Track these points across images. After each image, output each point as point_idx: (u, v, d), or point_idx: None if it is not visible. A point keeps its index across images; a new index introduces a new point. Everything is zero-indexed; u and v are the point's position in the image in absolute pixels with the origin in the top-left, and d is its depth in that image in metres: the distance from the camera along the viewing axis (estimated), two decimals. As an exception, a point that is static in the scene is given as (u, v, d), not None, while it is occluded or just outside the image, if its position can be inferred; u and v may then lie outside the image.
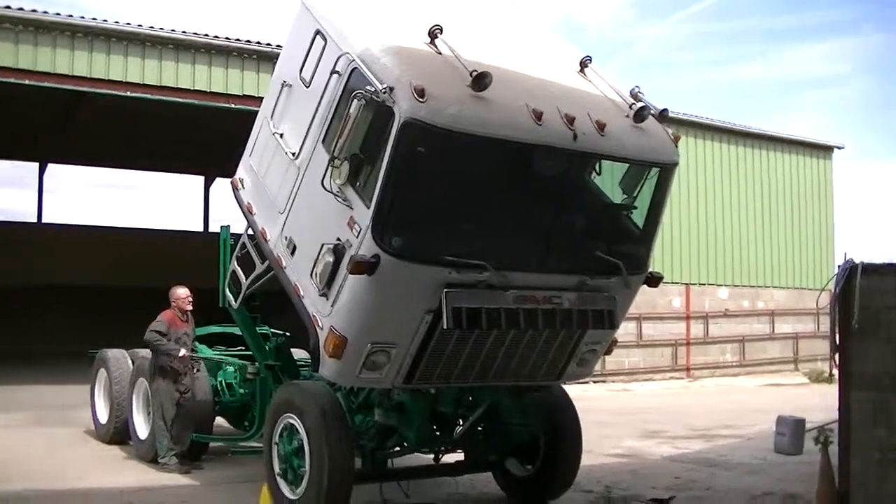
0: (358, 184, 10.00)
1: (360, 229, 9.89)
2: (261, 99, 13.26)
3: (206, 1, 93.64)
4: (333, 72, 10.69)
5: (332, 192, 10.20)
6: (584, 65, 11.82)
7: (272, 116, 12.27)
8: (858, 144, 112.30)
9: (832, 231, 40.29)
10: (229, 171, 13.34)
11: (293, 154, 11.32)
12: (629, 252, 11.51)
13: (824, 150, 40.65)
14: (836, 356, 12.92)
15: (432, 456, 13.07)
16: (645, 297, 27.15)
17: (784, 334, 37.09)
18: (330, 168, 10.15)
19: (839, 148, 41.24)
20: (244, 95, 24.68)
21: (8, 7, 22.18)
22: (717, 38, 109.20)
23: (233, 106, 25.02)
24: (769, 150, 38.15)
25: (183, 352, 14.95)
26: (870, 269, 12.61)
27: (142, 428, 16.27)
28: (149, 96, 24.50)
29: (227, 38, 24.80)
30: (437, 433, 12.73)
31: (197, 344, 16.12)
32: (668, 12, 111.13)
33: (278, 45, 23.42)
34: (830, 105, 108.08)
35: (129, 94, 24.20)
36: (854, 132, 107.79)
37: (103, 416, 17.81)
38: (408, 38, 10.52)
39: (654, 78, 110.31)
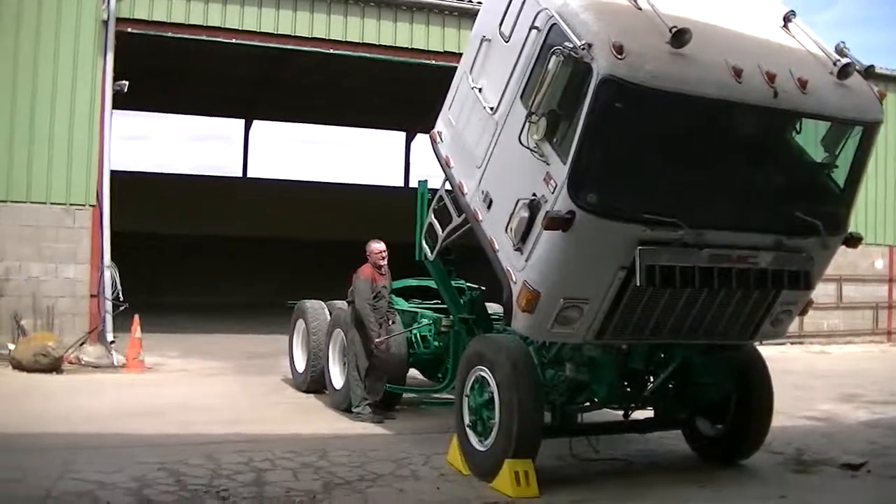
0: (555, 140, 10.03)
1: (556, 185, 9.93)
2: (461, 56, 13.35)
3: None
4: (532, 27, 10.70)
5: (529, 148, 10.26)
6: (787, 20, 11.55)
7: (471, 71, 12.34)
8: None
9: None
10: (430, 128, 13.49)
11: (491, 109, 11.39)
12: (828, 212, 11.29)
13: None
14: None
15: (622, 412, 13.08)
16: (845, 259, 26.66)
17: None
18: (527, 123, 10.22)
19: None
20: (445, 52, 24.78)
21: (215, -31, 22.77)
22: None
23: (434, 62, 25.18)
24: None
25: (380, 339, 15.18)
26: None
27: (337, 378, 16.63)
28: (351, 53, 24.86)
29: (427, -5, 24.93)
30: (628, 390, 12.70)
31: (393, 297, 16.38)
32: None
33: (479, 2, 23.58)
34: None
35: (332, 51, 24.61)
36: None
37: (301, 366, 18.31)
38: None
39: (857, 34, 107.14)
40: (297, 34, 23.77)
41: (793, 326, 27.96)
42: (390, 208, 36.97)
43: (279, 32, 23.59)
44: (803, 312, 12.24)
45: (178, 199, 41.94)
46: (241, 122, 46.74)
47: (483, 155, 11.55)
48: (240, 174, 47.22)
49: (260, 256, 42.01)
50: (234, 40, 23.51)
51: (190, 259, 40.99)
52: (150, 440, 13.39)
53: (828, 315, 32.18)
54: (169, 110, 45.95)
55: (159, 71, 32.81)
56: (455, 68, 13.25)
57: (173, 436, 13.72)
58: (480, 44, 12.21)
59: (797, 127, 11.18)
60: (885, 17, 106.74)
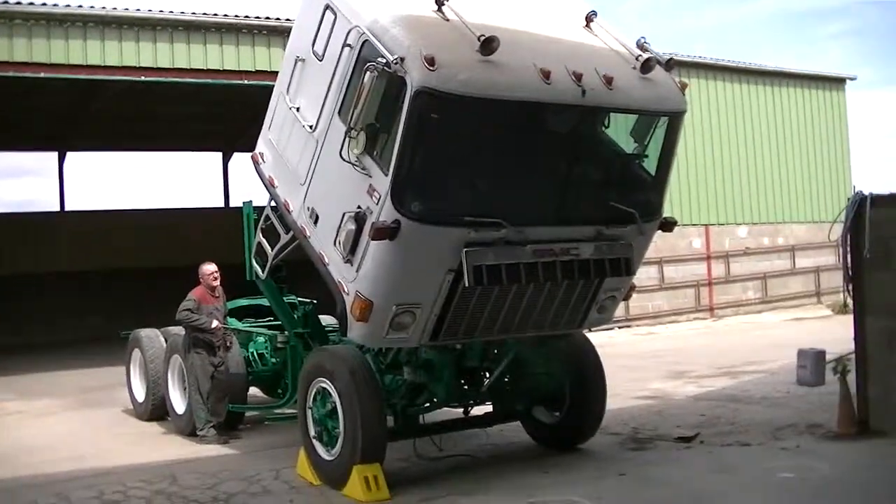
0: (375, 152, 10.31)
1: (380, 196, 10.19)
2: (273, 73, 13.52)
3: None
4: (345, 45, 10.95)
5: (350, 162, 10.49)
6: (589, 19, 11.99)
7: (288, 91, 12.51)
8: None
9: (848, 163, 40.36)
10: (247, 146, 13.65)
11: (310, 127, 11.60)
12: (643, 199, 11.84)
13: (836, 81, 40.63)
14: (850, 287, 13.28)
15: (462, 409, 13.42)
16: (665, 241, 27.59)
17: (805, 268, 37.22)
18: (347, 139, 10.46)
19: (851, 79, 41.19)
20: (257, 71, 24.81)
21: (19, 2, 22.40)
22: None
23: (246, 82, 25.17)
24: (781, 87, 38.13)
25: (216, 323, 15.33)
26: (879, 200, 13.03)
27: (179, 403, 16.63)
28: (163, 79, 24.77)
29: (235, 16, 24.94)
30: (465, 387, 13.11)
31: (228, 318, 16.45)
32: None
33: (287, 20, 23.87)
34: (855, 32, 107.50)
35: (143, 78, 24.45)
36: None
37: (140, 395, 18.20)
38: (415, 7, 10.74)
39: (672, 18, 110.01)
40: (106, 64, 23.48)
41: (619, 311, 29.05)
42: (214, 230, 36.93)
43: (88, 63, 23.26)
44: (627, 297, 12.74)
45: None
46: (55, 154, 45.82)
47: (306, 172, 11.75)
48: (57, 208, 46.26)
49: (87, 290, 41.14)
50: (42, 74, 23.17)
51: (15, 298, 40.01)
52: (-2, 486, 13.26)
53: (651, 297, 33.28)
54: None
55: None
56: (268, 86, 13.42)
57: (22, 478, 13.63)
58: (295, 63, 12.38)
59: (606, 122, 11.66)
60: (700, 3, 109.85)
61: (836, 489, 11.07)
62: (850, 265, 13.31)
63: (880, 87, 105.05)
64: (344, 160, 10.59)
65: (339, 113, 10.98)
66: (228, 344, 15.75)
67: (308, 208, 11.80)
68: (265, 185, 13.22)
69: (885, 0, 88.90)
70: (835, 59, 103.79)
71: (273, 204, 13.18)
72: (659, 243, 28.82)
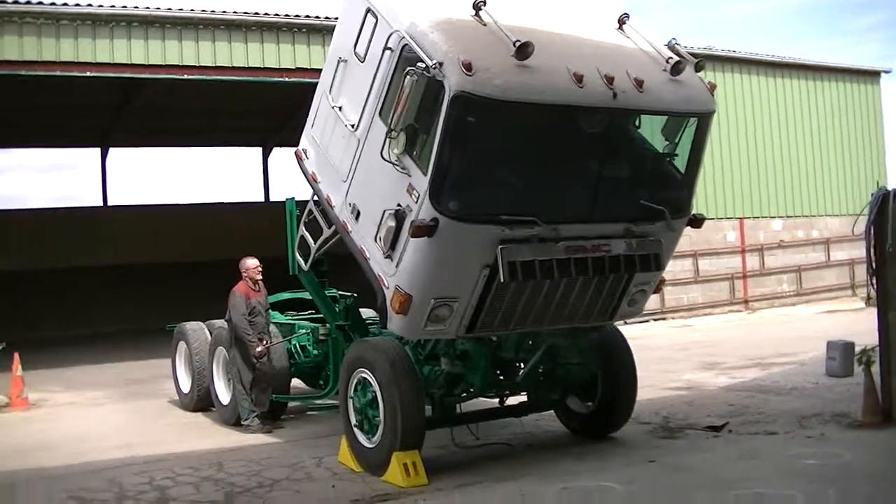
0: (414, 153, 10.69)
1: (419, 195, 10.61)
2: (313, 71, 13.85)
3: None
4: (386, 48, 11.33)
5: (390, 162, 10.89)
6: (622, 22, 12.31)
7: (330, 90, 12.88)
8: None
9: (883, 155, 40.47)
10: (286, 141, 14.08)
11: (352, 126, 11.99)
12: (672, 197, 12.17)
13: (871, 74, 40.64)
14: (874, 279, 13.62)
15: (497, 399, 13.85)
16: (700, 234, 27.80)
17: (839, 261, 37.24)
18: (388, 139, 10.83)
19: (886, 72, 41.14)
20: (297, 68, 25.16)
21: (66, 3, 22.90)
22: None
23: (286, 79, 25.59)
24: (815, 80, 38.24)
25: (260, 348, 15.67)
26: (902, 195, 13.29)
27: (223, 394, 17.09)
28: (205, 77, 25.18)
29: (276, 14, 25.36)
30: (501, 377, 13.55)
31: (270, 311, 16.85)
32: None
33: (326, 18, 24.29)
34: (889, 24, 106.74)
35: (186, 76, 24.91)
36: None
37: (186, 386, 18.69)
38: (454, 11, 11.09)
39: (704, 9, 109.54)
40: (150, 62, 23.93)
41: (654, 304, 29.39)
42: (254, 224, 37.40)
43: (132, 62, 23.72)
44: (657, 290, 13.15)
45: (40, 232, 41.58)
46: (97, 150, 46.35)
47: (348, 170, 12.17)
48: (100, 203, 46.78)
49: (129, 283, 41.52)
50: (88, 73, 23.64)
51: (61, 292, 40.55)
52: (52, 472, 13.74)
53: (686, 289, 33.50)
54: (18, 144, 45.31)
55: (6, 105, 32.84)
56: (308, 83, 13.78)
57: (74, 465, 14.09)
58: (337, 64, 12.75)
59: (637, 122, 12.04)
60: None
61: (856, 475, 11.41)
62: (873, 259, 13.66)
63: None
64: (385, 159, 10.96)
65: (380, 113, 11.36)
66: (268, 342, 16.04)
67: (350, 204, 12.20)
68: (308, 181, 13.64)
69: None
70: (869, 51, 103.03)
71: (316, 199, 13.58)
72: (693, 236, 29.03)
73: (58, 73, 23.41)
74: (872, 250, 13.65)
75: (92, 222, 43.59)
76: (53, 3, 22.74)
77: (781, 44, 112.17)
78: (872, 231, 13.57)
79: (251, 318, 15.75)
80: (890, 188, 13.56)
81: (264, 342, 15.83)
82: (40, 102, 34.22)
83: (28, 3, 22.48)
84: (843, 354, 17.38)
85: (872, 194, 13.66)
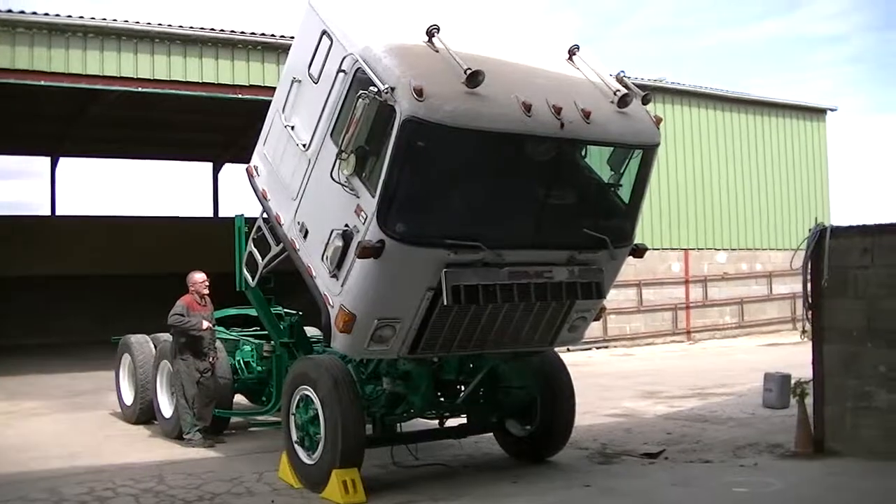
0: (364, 174, 10.83)
1: (367, 216, 10.75)
2: (267, 88, 13.95)
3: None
4: (340, 70, 11.48)
5: (340, 183, 11.04)
6: (572, 52, 12.53)
7: (283, 109, 13.02)
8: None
9: (827, 192, 41.06)
10: (238, 158, 14.18)
11: (304, 145, 12.12)
12: (615, 226, 12.37)
13: (817, 112, 41.29)
14: (810, 313, 13.97)
15: (437, 420, 14.01)
16: (645, 264, 28.00)
17: (782, 295, 37.68)
18: (338, 160, 10.99)
19: (832, 110, 41.85)
20: (251, 85, 25.31)
21: (22, 11, 22.95)
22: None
23: (240, 96, 25.72)
24: (763, 115, 38.83)
25: (206, 324, 15.81)
26: (838, 232, 13.72)
27: (166, 407, 17.10)
28: (159, 91, 25.35)
29: (231, 31, 25.47)
30: (442, 399, 13.74)
31: (216, 326, 16.87)
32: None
33: (282, 36, 24.45)
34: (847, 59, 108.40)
35: (140, 89, 25.01)
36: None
37: (129, 399, 18.67)
38: (407, 37, 11.26)
39: (666, 40, 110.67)
40: (105, 74, 24.04)
41: (597, 332, 29.67)
42: (202, 239, 37.31)
43: (87, 73, 23.80)
44: (598, 318, 13.32)
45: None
46: (48, 159, 46.14)
47: (298, 188, 12.31)
48: (48, 212, 46.55)
49: (75, 294, 41.46)
50: (42, 82, 23.69)
51: (8, 301, 40.30)
52: (-10, 480, 13.71)
53: (630, 318, 33.88)
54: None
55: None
56: (261, 101, 13.91)
57: (13, 474, 14.08)
58: (291, 84, 12.89)
59: (584, 152, 12.23)
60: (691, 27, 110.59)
61: (785, 503, 11.76)
62: (809, 293, 13.99)
63: (872, 114, 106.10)
64: (334, 180, 11.12)
65: (332, 135, 11.50)
66: (213, 357, 16.13)
67: (298, 223, 12.33)
68: (258, 198, 13.77)
69: (881, 27, 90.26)
70: (828, 85, 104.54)
71: (265, 216, 13.69)
72: (638, 266, 29.36)
73: (12, 80, 23.41)
74: (809, 285, 13.96)
75: (40, 231, 43.30)
76: (10, 11, 22.78)
77: (737, 77, 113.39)
78: (810, 266, 13.90)
79: (194, 332, 15.81)
80: (828, 225, 13.90)
81: (209, 357, 15.87)
82: (-8, 108, 34.12)
83: (-16, 10, 22.46)
84: (779, 386, 17.70)
85: (810, 230, 14.00)
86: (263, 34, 25.76)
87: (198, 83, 25.18)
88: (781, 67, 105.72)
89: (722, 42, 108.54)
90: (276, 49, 25.19)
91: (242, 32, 25.60)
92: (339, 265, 11.23)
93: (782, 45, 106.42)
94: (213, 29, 25.26)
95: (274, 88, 13.96)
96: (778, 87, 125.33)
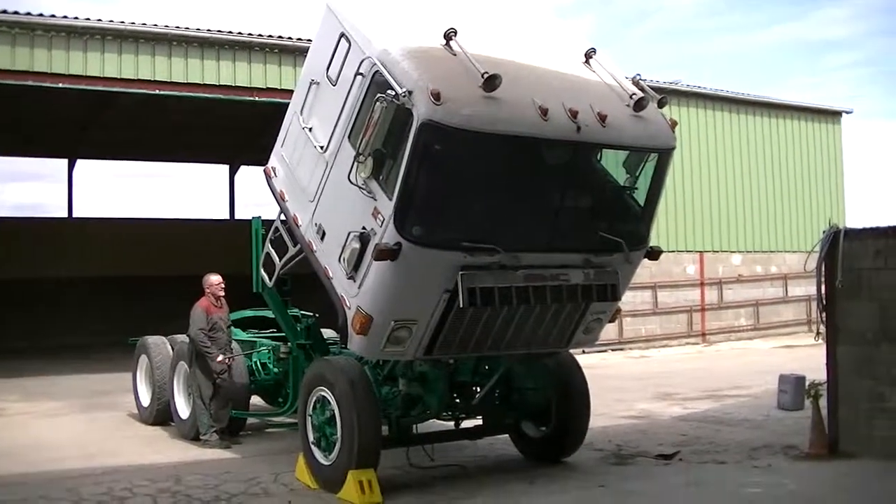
0: (381, 177, 10.92)
1: (384, 219, 10.83)
2: (283, 91, 13.98)
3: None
4: (357, 73, 11.55)
5: (357, 185, 11.13)
6: (588, 56, 12.57)
7: (301, 111, 13.09)
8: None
9: (842, 194, 41.07)
10: (254, 160, 14.24)
11: (321, 147, 12.21)
12: (630, 229, 12.43)
13: (832, 115, 41.30)
14: (823, 315, 14.01)
15: (453, 422, 14.07)
16: (660, 266, 28.20)
17: (797, 297, 37.67)
18: (355, 163, 11.07)
19: (847, 112, 41.84)
20: (267, 88, 25.42)
21: (41, 14, 23.10)
22: (742, 2, 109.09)
23: (256, 98, 25.88)
24: (779, 118, 38.86)
25: (221, 357, 15.79)
26: (852, 234, 13.77)
27: (183, 408, 17.20)
28: (176, 93, 25.46)
29: (249, 34, 25.57)
30: (457, 400, 13.74)
31: (232, 328, 16.96)
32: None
33: (298, 39, 24.53)
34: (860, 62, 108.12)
35: (158, 91, 25.08)
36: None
37: (146, 400, 18.76)
38: (425, 40, 11.33)
39: (681, 44, 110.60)
40: (123, 76, 24.15)
41: (612, 334, 29.72)
42: (219, 241, 37.41)
43: (105, 76, 23.93)
44: (613, 320, 13.38)
45: (6, 241, 41.49)
46: (65, 161, 46.25)
47: (315, 190, 12.40)
48: (65, 214, 46.67)
49: (92, 296, 41.51)
50: (60, 84, 23.77)
51: (24, 303, 40.46)
52: (9, 480, 13.80)
53: (645, 321, 33.89)
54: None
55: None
56: (277, 103, 13.91)
57: (30, 474, 14.17)
58: (309, 86, 12.97)
59: (599, 155, 12.32)
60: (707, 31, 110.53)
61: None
62: (823, 295, 14.04)
63: (888, 117, 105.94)
64: (352, 182, 11.20)
65: (349, 137, 11.58)
66: (229, 359, 16.10)
67: (316, 224, 12.42)
68: (276, 199, 13.84)
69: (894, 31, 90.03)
70: (843, 89, 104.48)
71: (283, 217, 13.76)
72: (653, 268, 29.49)
73: (30, 82, 23.55)
74: (823, 287, 14.00)
75: (57, 233, 43.45)
76: (29, 14, 22.93)
77: (754, 80, 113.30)
78: (823, 268, 13.95)
79: (212, 334, 15.86)
80: (842, 227, 13.95)
81: (226, 358, 15.97)
82: (10, 111, 34.15)
83: (4, 12, 22.67)
84: (794, 388, 17.74)
85: (824, 232, 14.05)
86: (280, 37, 25.87)
87: (215, 86, 25.25)
88: (796, 71, 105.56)
89: (737, 45, 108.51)
90: (293, 52, 25.28)
91: (259, 35, 25.69)
92: (356, 267, 11.31)
93: (796, 48, 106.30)
94: (230, 32, 25.33)
95: (290, 91, 14.02)
96: (793, 91, 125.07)
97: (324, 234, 12.27)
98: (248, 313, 18.68)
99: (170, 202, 74.42)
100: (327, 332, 16.02)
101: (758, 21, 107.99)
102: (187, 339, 16.53)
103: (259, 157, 14.16)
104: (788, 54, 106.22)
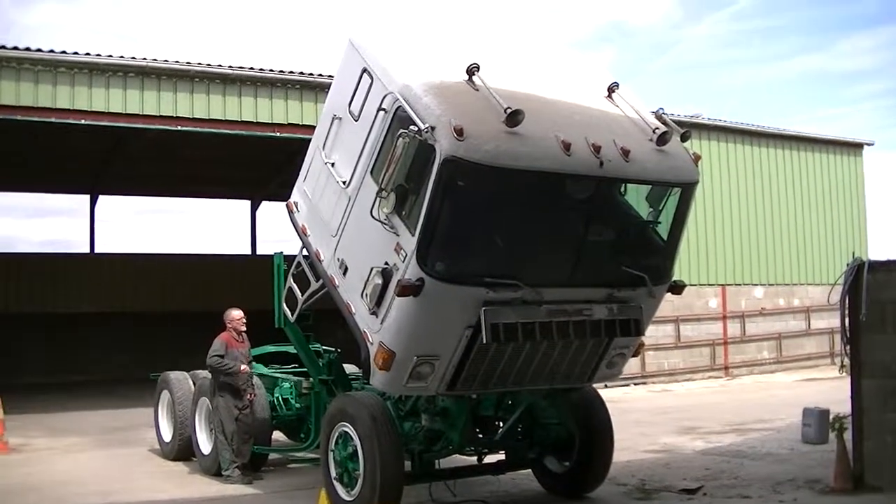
0: (404, 213, 10.96)
1: (406, 255, 10.85)
2: (304, 126, 14.01)
3: (245, 35, 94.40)
4: (380, 108, 11.60)
5: (379, 221, 11.15)
6: (611, 90, 12.62)
7: (324, 146, 13.17)
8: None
9: (864, 226, 40.79)
10: (275, 195, 14.28)
11: (344, 182, 12.26)
12: (653, 264, 12.42)
13: (854, 146, 41.12)
14: (847, 348, 13.93)
15: (476, 457, 14.03)
16: (682, 300, 28.06)
17: (820, 329, 37.29)
18: (378, 198, 11.10)
19: (869, 145, 41.69)
20: (289, 124, 25.43)
21: (64, 51, 23.22)
22: (761, 34, 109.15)
23: (278, 134, 25.88)
24: (800, 150, 38.67)
25: (244, 367, 15.91)
26: (876, 266, 13.67)
27: (205, 444, 17.19)
28: (198, 129, 25.50)
29: (270, 70, 25.64)
30: (480, 435, 13.69)
31: (254, 363, 17.04)
32: (717, 7, 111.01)
33: (319, 75, 24.59)
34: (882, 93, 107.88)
35: (179, 128, 25.19)
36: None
37: (167, 435, 18.77)
38: (448, 75, 11.38)
39: (700, 77, 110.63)
40: (145, 113, 24.22)
41: (635, 368, 29.61)
42: (240, 277, 37.49)
43: (127, 112, 24.02)
44: (636, 354, 13.33)
45: (27, 277, 41.75)
46: (87, 196, 46.43)
47: (338, 225, 12.42)
48: (87, 249, 46.83)
49: (116, 331, 41.61)
50: (83, 121, 23.87)
51: (46, 338, 40.66)
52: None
53: (668, 354, 33.70)
54: (7, 188, 45.17)
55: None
56: (299, 139, 13.91)
57: (52, 509, 14.12)
58: (332, 121, 13.05)
59: (622, 190, 12.30)
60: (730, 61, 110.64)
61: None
62: (847, 328, 13.97)
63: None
64: (374, 218, 11.23)
65: (372, 172, 11.62)
66: (251, 394, 16.19)
67: (338, 259, 12.44)
68: (298, 234, 13.89)
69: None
70: (869, 119, 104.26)
71: (305, 252, 13.80)
72: (676, 302, 29.34)
73: (53, 119, 23.60)
74: (847, 320, 13.94)
75: (80, 269, 43.67)
76: (52, 51, 23.05)
77: (775, 112, 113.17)
78: (847, 301, 13.88)
79: (229, 367, 15.90)
80: (865, 259, 13.89)
81: (248, 394, 15.94)
82: (33, 147, 34.37)
83: (27, 49, 22.81)
84: (818, 421, 17.62)
85: (847, 264, 13.99)
86: (301, 73, 25.92)
87: (236, 122, 25.28)
88: (817, 103, 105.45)
89: (758, 77, 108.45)
90: (314, 88, 25.36)
91: (281, 71, 25.75)
92: (379, 303, 11.32)
93: (817, 80, 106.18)
94: (251, 68, 25.39)
95: (312, 127, 14.09)
96: (814, 123, 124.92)
97: (346, 269, 12.28)
98: (270, 348, 18.67)
99: (191, 238, 74.65)
100: (349, 368, 15.99)
101: (778, 52, 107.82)
102: (209, 376, 16.54)
103: (281, 192, 14.20)
104: (811, 85, 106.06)
